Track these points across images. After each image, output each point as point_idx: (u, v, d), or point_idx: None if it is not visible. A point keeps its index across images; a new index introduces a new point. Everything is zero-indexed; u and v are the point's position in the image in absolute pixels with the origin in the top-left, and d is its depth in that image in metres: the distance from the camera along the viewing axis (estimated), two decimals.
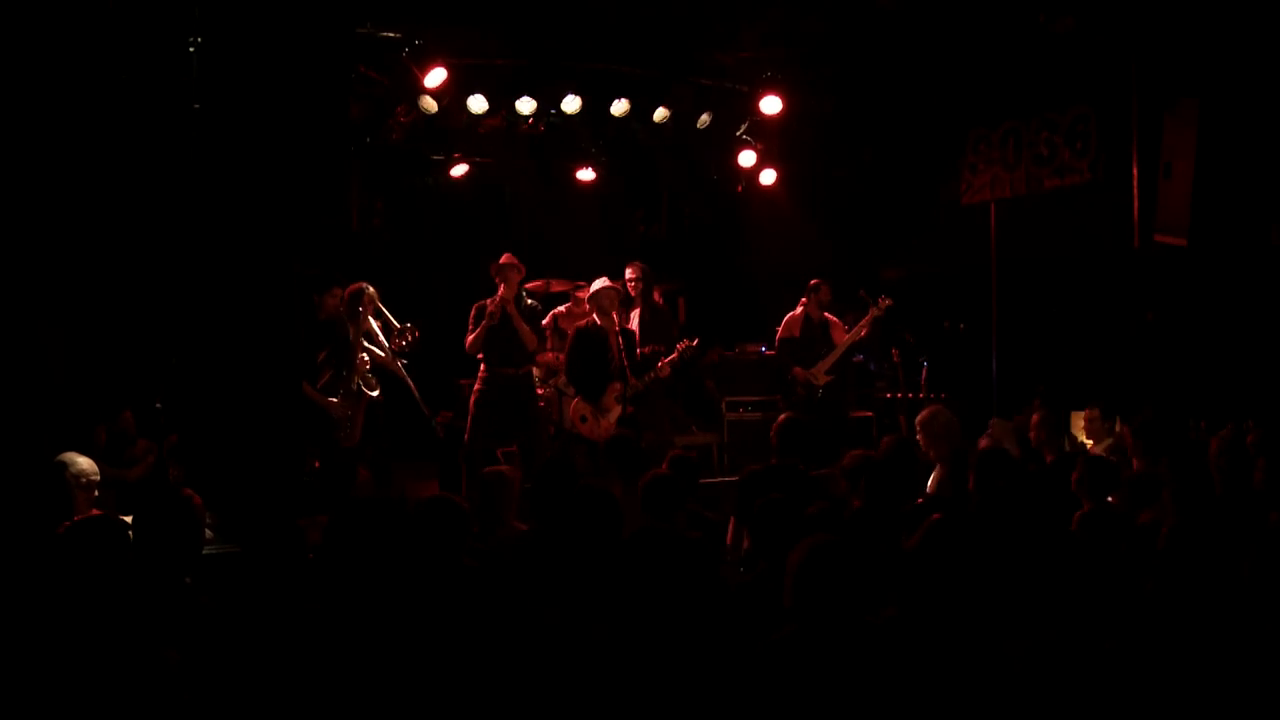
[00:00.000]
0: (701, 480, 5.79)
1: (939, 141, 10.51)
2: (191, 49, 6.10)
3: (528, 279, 8.41)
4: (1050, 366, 9.33)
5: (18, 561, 3.89)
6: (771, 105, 9.36)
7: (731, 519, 5.41)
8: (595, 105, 9.03)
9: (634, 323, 8.58)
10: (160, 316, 6.58)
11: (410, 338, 7.41)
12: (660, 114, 9.23)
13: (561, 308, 9.21)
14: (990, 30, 9.11)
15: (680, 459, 5.43)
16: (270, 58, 6.24)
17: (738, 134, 9.78)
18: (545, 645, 3.27)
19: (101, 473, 5.18)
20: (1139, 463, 5.87)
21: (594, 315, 7.93)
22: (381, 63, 8.28)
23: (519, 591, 3.82)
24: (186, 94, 6.10)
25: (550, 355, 8.61)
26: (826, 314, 8.94)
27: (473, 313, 7.72)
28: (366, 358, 7.34)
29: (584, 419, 7.82)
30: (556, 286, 9.44)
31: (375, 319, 7.41)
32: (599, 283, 8.00)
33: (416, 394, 7.53)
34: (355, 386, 7.25)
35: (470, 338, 7.67)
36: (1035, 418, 6.74)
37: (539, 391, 8.30)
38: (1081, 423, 7.41)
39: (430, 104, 8.42)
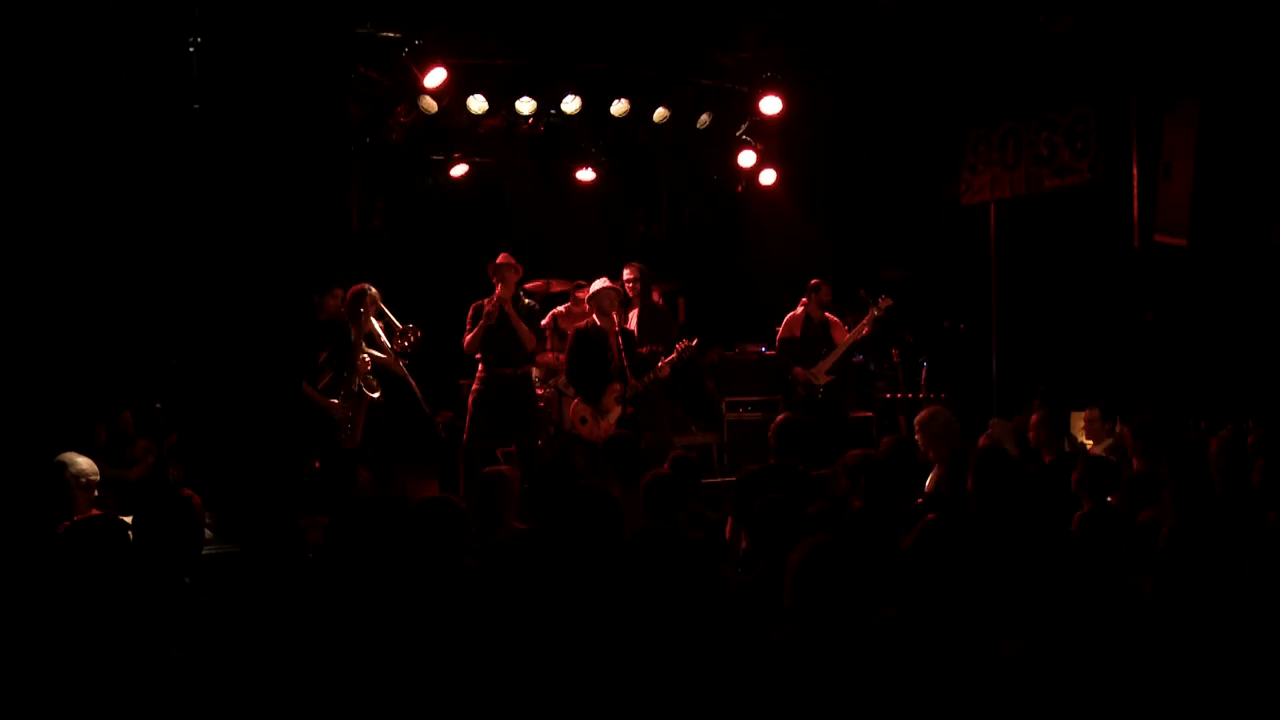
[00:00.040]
0: (702, 480, 5.79)
1: (939, 142, 10.51)
2: (191, 49, 6.10)
3: (528, 279, 8.41)
4: (1050, 366, 9.33)
5: (18, 561, 3.89)
6: (771, 105, 9.36)
7: (729, 519, 5.41)
8: (595, 105, 9.03)
9: (632, 323, 8.57)
10: (160, 317, 6.58)
11: (413, 338, 7.41)
12: (660, 114, 9.23)
13: (561, 308, 9.21)
14: (990, 30, 9.11)
15: (681, 459, 5.43)
16: (270, 58, 6.25)
17: (738, 134, 9.78)
18: (545, 645, 3.27)
19: (101, 473, 5.17)
20: (1139, 463, 5.87)
21: (594, 316, 7.92)
22: (381, 63, 8.28)
23: (519, 592, 3.82)
24: (186, 94, 6.11)
25: (550, 355, 8.61)
26: (827, 314, 8.94)
27: (470, 313, 7.72)
28: (368, 359, 7.34)
29: (584, 420, 7.81)
30: (556, 286, 9.44)
31: (377, 320, 7.41)
32: (599, 283, 8.00)
33: (419, 393, 7.54)
34: (356, 388, 7.25)
35: (468, 338, 7.68)
36: (1034, 418, 6.73)
37: (539, 392, 8.31)
38: (1081, 423, 7.40)
39: (430, 104, 8.42)
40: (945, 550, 3.32)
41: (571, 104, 8.91)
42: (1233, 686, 3.00)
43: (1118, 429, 7.05)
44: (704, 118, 9.42)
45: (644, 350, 8.10)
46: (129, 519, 3.79)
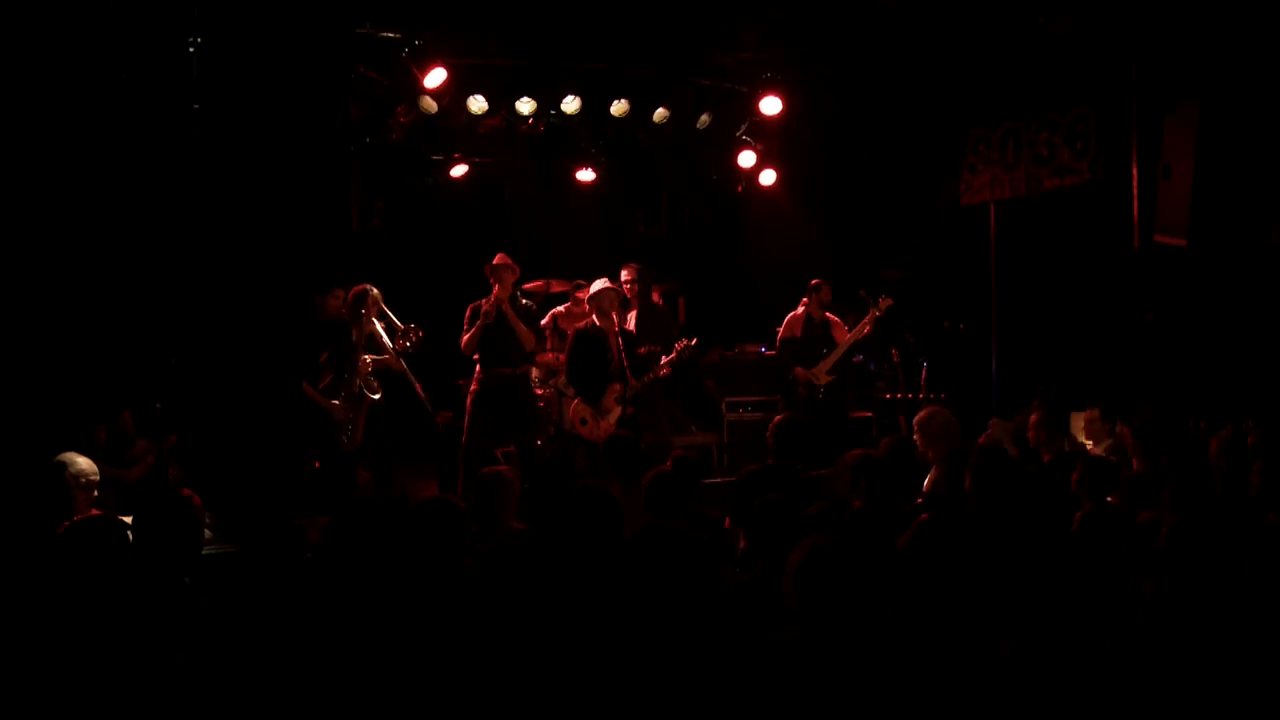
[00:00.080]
0: (702, 480, 5.78)
1: (939, 142, 10.51)
2: (191, 49, 6.10)
3: (528, 279, 8.41)
4: (1050, 366, 9.33)
5: (18, 561, 3.89)
6: (771, 105, 9.36)
7: (727, 519, 5.41)
8: (595, 105, 9.03)
9: (631, 325, 8.58)
10: (160, 317, 6.58)
11: (414, 337, 7.41)
12: (660, 114, 9.22)
13: (561, 308, 9.21)
14: (990, 30, 9.11)
15: (682, 459, 5.43)
16: (270, 58, 6.24)
17: (738, 134, 9.78)
18: (545, 645, 3.27)
19: (101, 473, 5.17)
20: (1139, 463, 5.87)
21: (594, 316, 7.93)
22: (381, 63, 8.28)
23: (518, 592, 3.82)
24: (186, 94, 6.11)
25: (550, 355, 8.62)
26: (828, 314, 8.94)
27: (467, 313, 7.72)
28: (369, 360, 7.34)
29: (584, 420, 7.81)
30: (556, 287, 9.44)
31: (379, 320, 7.41)
32: (599, 284, 8.00)
33: (420, 390, 7.54)
34: (357, 389, 7.25)
35: (465, 338, 7.68)
36: (1034, 418, 6.73)
37: (538, 392, 8.31)
38: (1081, 423, 7.40)
39: (430, 104, 8.42)
40: (938, 550, 3.32)
41: (571, 104, 8.91)
42: (1232, 686, 3.00)
43: (1118, 429, 7.04)
44: (704, 118, 9.42)
45: (643, 350, 8.10)
46: (129, 519, 3.79)
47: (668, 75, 9.18)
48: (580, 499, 4.06)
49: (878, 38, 9.35)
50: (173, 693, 3.04)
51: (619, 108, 9.10)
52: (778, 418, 6.24)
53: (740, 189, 10.50)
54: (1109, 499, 4.97)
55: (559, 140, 9.57)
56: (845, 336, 8.85)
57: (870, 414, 9.59)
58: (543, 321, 8.46)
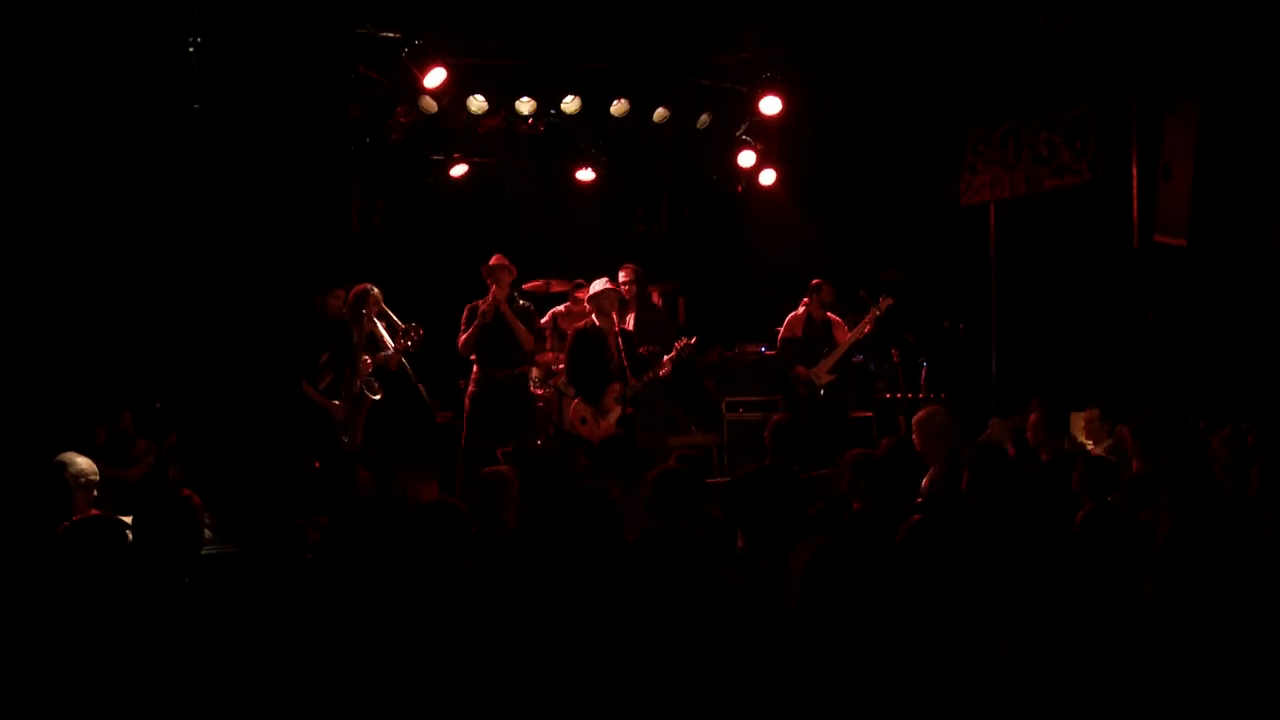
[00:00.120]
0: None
1: (939, 142, 10.50)
2: (191, 49, 6.10)
3: (528, 279, 8.41)
4: (1050, 366, 9.33)
5: (17, 561, 3.89)
6: (771, 105, 9.36)
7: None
8: (595, 105, 9.03)
9: (630, 325, 8.57)
10: (160, 317, 6.58)
11: (415, 336, 7.42)
12: (660, 114, 9.22)
13: (561, 307, 9.21)
14: (990, 30, 9.11)
15: (686, 459, 5.43)
16: (270, 58, 6.24)
17: (738, 134, 9.78)
18: (546, 646, 3.27)
19: (101, 473, 5.17)
20: (1139, 463, 5.86)
21: (593, 316, 7.93)
22: (381, 63, 8.28)
23: (518, 592, 3.82)
24: (186, 94, 6.11)
25: (550, 355, 8.62)
26: (829, 314, 8.95)
27: (465, 313, 7.72)
28: (369, 360, 7.34)
29: (584, 420, 7.82)
30: (556, 287, 9.45)
31: (380, 320, 7.42)
32: (599, 284, 8.00)
33: (421, 388, 7.55)
34: (358, 389, 7.25)
35: (462, 338, 7.68)
36: (1033, 418, 6.73)
37: (538, 392, 8.30)
38: (1081, 423, 7.40)
39: (430, 104, 8.42)
40: (933, 550, 3.32)
41: (571, 104, 8.91)
42: (1232, 686, 3.00)
43: (1118, 429, 7.04)
44: (704, 118, 9.42)
45: (643, 350, 8.11)
46: (129, 519, 3.79)
47: (668, 75, 9.18)
48: (580, 499, 4.05)
49: (878, 38, 9.35)
50: (173, 693, 3.04)
51: (619, 107, 9.10)
52: (775, 418, 6.24)
53: (740, 189, 10.50)
54: (1109, 499, 4.97)
55: (559, 140, 9.56)
56: (846, 336, 8.85)
57: (870, 414, 9.59)
58: (542, 321, 8.46)
